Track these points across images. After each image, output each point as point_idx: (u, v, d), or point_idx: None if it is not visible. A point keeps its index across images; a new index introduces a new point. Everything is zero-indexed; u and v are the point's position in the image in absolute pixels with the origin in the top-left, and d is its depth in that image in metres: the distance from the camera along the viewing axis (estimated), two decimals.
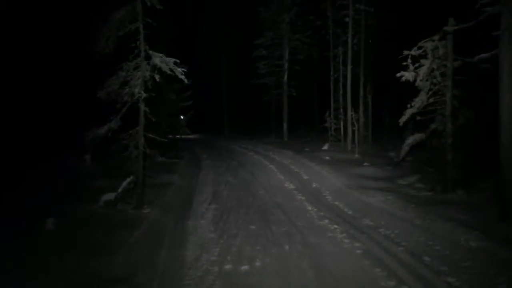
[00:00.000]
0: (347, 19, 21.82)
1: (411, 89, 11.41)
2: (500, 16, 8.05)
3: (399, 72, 10.92)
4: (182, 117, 24.49)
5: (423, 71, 10.51)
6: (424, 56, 10.70)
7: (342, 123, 23.97)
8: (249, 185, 13.07)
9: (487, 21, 8.83)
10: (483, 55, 9.01)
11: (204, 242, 7.39)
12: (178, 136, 24.14)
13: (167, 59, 10.14)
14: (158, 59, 10.04)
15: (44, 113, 18.01)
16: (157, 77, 10.04)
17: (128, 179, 10.41)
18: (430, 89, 10.99)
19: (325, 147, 22.46)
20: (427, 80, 10.79)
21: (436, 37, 10.74)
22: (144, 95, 9.98)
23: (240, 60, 39.22)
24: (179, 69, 10.10)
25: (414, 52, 10.41)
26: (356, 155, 18.81)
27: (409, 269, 5.98)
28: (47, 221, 8.06)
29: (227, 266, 6.26)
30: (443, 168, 11.33)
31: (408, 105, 11.38)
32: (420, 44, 10.58)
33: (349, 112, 21.33)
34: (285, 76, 29.73)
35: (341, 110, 24.07)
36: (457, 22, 10.33)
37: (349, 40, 21.75)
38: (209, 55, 43.62)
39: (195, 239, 7.57)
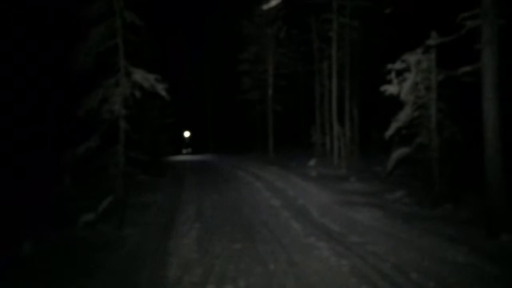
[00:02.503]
0: (331, 33, 22.06)
1: (398, 103, 11.57)
2: (481, 30, 8.24)
3: (385, 86, 11.10)
4: (186, 135, 24.85)
5: (407, 84, 10.68)
6: (408, 69, 10.87)
7: (328, 137, 24.14)
8: (233, 202, 13.02)
9: (470, 34, 9.00)
10: (466, 68, 9.18)
11: (187, 263, 7.31)
12: (164, 156, 24.19)
13: (148, 75, 10.17)
14: (138, 75, 10.06)
15: (19, 132, 17.77)
16: (137, 93, 10.05)
17: (108, 199, 10.33)
18: (414, 103, 11.15)
19: (311, 162, 22.54)
20: (411, 94, 10.95)
21: (419, 51, 10.94)
22: (124, 112, 9.96)
23: (225, 75, 39.51)
24: (161, 86, 10.13)
25: (398, 65, 10.57)
26: (343, 170, 18.91)
27: (396, 286, 5.99)
28: (23, 245, 7.94)
29: (210, 287, 6.20)
30: (430, 183, 11.44)
31: (393, 119, 11.54)
32: (403, 57, 10.75)
33: (335, 127, 21.47)
34: (270, 91, 29.87)
35: (327, 125, 24.25)
36: (440, 35, 10.52)
37: (334, 54, 21.97)
38: (194, 72, 43.84)
39: (177, 260, 7.48)
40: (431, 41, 10.42)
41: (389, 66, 10.57)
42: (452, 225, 9.20)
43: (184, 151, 47.54)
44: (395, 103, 11.64)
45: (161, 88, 10.09)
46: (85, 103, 10.26)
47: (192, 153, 45.42)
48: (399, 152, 12.29)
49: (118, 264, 7.22)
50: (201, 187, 16.32)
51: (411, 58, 10.76)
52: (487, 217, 8.45)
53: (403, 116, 11.23)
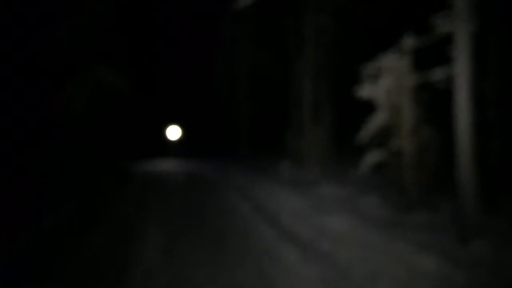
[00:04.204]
0: (307, 34, 22.17)
1: (374, 107, 11.66)
2: (454, 33, 8.35)
3: (358, 88, 11.17)
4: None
5: (380, 87, 10.76)
6: (382, 72, 10.96)
7: (302, 140, 24.18)
8: (202, 208, 12.93)
9: (448, 37, 9.09)
10: (438, 74, 9.27)
11: (150, 270, 7.21)
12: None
13: (114, 74, 10.05)
14: (104, 74, 9.93)
15: None
16: (102, 92, 9.92)
17: (71, 202, 10.16)
18: (388, 106, 11.24)
19: (285, 165, 22.55)
20: (384, 97, 11.04)
21: (394, 53, 11.04)
22: (87, 111, 9.81)
23: (200, 76, 39.26)
24: (126, 83, 10.03)
25: (372, 68, 10.64)
26: (317, 174, 18.99)
27: None
28: None
29: None
30: (405, 188, 11.56)
31: (366, 123, 11.63)
32: (378, 60, 10.84)
33: (310, 130, 21.53)
34: (244, 92, 29.84)
35: (302, 127, 24.30)
36: (417, 38, 10.61)
37: (310, 55, 22.07)
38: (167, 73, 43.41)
39: (140, 267, 7.38)
40: (406, 44, 10.53)
41: (363, 68, 10.65)
42: (424, 231, 9.32)
43: (171, 153, 42.68)
44: (372, 106, 11.73)
45: (126, 86, 9.99)
46: (50, 101, 10.10)
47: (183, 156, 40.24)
48: (373, 157, 12.38)
49: (76, 271, 7.07)
50: (168, 192, 16.19)
51: (386, 60, 10.86)
52: (458, 224, 8.59)
53: (377, 120, 11.33)
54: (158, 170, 25.89)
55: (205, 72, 34.19)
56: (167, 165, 29.81)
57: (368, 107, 12.23)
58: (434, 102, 11.76)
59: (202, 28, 35.43)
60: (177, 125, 42.57)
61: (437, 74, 9.54)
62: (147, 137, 34.64)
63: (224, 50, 31.01)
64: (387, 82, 10.82)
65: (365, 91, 10.72)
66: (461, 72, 8.28)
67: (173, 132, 42.86)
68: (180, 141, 43.26)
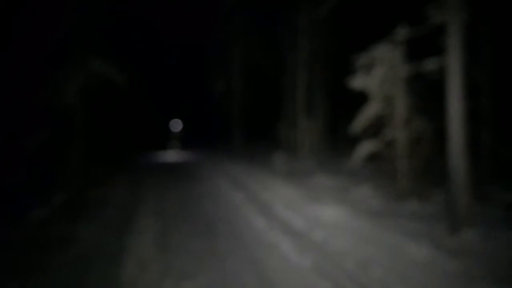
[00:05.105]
0: (301, 23, 22.19)
1: (367, 98, 11.73)
2: (446, 25, 8.42)
3: (351, 79, 11.23)
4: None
5: (373, 78, 10.84)
6: (375, 63, 11.02)
7: (296, 132, 24.25)
8: (195, 198, 12.99)
9: (438, 29, 9.16)
10: (430, 65, 9.35)
11: (143, 260, 7.30)
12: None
13: (107, 64, 10.02)
14: (96, 64, 9.90)
15: None
16: (95, 83, 9.90)
17: (62, 194, 10.18)
18: (381, 97, 11.33)
19: (278, 156, 22.62)
20: (377, 88, 11.12)
21: (388, 44, 11.09)
22: (78, 102, 9.80)
23: (193, 65, 39.14)
24: (120, 76, 10.01)
25: (365, 58, 10.70)
26: (310, 165, 19.08)
27: (357, 284, 6.14)
28: None
29: (167, 284, 6.22)
30: (397, 178, 11.68)
31: (359, 114, 11.71)
32: (370, 50, 10.90)
33: (303, 121, 21.60)
34: (237, 82, 29.82)
35: (295, 119, 24.35)
36: (410, 29, 10.66)
37: (304, 45, 22.09)
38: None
39: (134, 257, 7.46)
40: (399, 35, 10.60)
41: (356, 59, 10.71)
42: (416, 221, 9.46)
43: (171, 145, 42.76)
44: (365, 97, 11.81)
45: (120, 79, 9.97)
46: (40, 92, 10.06)
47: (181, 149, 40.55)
48: (366, 147, 12.49)
49: (68, 264, 7.15)
50: (162, 183, 16.19)
51: (379, 51, 10.92)
52: (449, 213, 8.71)
53: (370, 110, 11.42)
54: (155, 163, 25.93)
55: (204, 67, 34.12)
56: (164, 158, 29.82)
57: (362, 98, 12.31)
58: (427, 93, 11.85)
59: (198, 22, 35.35)
60: (177, 118, 42.98)
61: (430, 65, 9.63)
62: (146, 130, 34.64)
63: (219, 44, 30.95)
64: (380, 73, 10.90)
65: (358, 82, 10.79)
66: (453, 62, 8.38)
67: (176, 125, 43.33)
68: (179, 134, 43.64)
